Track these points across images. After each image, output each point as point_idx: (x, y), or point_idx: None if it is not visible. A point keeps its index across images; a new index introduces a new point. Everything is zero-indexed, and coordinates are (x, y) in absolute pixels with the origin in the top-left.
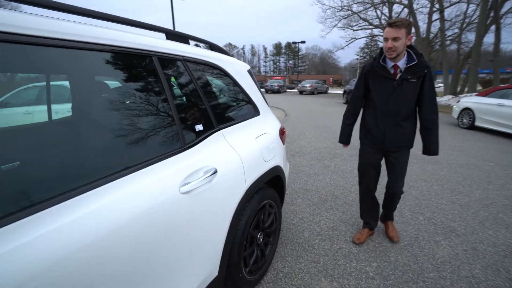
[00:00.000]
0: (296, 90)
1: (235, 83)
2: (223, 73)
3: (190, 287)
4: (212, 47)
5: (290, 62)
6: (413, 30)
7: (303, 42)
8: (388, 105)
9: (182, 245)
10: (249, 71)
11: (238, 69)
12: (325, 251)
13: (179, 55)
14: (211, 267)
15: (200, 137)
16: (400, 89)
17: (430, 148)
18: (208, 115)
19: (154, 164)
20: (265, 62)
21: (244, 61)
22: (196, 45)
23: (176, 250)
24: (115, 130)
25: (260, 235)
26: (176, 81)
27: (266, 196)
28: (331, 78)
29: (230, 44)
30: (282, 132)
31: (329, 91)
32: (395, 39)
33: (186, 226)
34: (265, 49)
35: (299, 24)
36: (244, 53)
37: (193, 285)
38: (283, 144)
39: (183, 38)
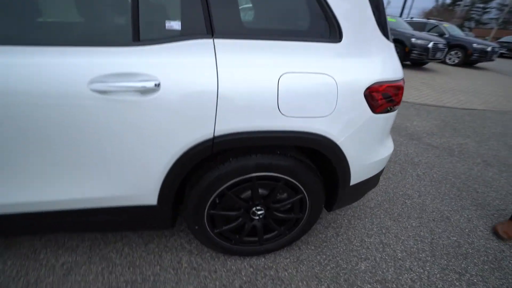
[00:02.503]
0: None
1: None
2: None
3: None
4: None
5: None
6: None
7: None
8: None
9: (87, 146)
10: None
11: None
12: None
13: None
14: (143, 192)
15: (169, 38)
16: None
17: None
18: (197, 13)
19: (80, 46)
20: None
21: None
22: None
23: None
24: None
25: (258, 210)
26: None
27: (277, 167)
28: None
29: None
30: (379, 89)
31: None
32: None
33: (95, 129)
34: None
35: None
36: None
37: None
38: (377, 112)
39: None
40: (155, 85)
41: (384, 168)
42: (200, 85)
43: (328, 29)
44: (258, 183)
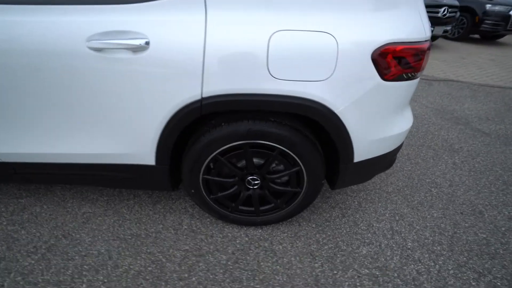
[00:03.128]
0: None
1: None
2: None
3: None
4: None
5: None
6: None
7: None
8: None
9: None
10: None
11: None
12: None
13: None
14: (141, 151)
15: None
16: None
17: None
18: None
19: (78, 4)
20: None
21: None
22: None
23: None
24: None
25: (253, 179)
26: None
27: (270, 135)
28: None
29: None
30: (392, 51)
31: None
32: None
33: (94, 85)
34: None
35: None
36: None
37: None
38: (388, 79)
39: None
40: (145, 43)
41: (400, 146)
42: (186, 43)
43: None
44: (252, 151)
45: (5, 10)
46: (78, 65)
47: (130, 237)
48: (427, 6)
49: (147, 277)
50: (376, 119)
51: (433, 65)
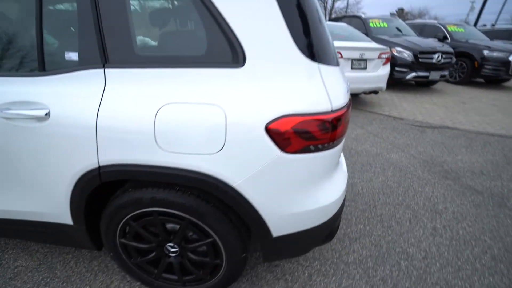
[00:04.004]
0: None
1: None
2: None
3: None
4: None
5: None
6: None
7: None
8: None
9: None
10: None
11: None
12: None
13: None
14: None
15: (69, 68)
16: None
17: None
18: (92, 43)
19: None
20: None
21: None
22: None
23: None
24: None
25: (172, 247)
26: None
27: (174, 205)
28: None
29: None
30: (289, 124)
31: None
32: None
33: (5, 148)
34: None
35: None
36: None
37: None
38: (290, 152)
39: None
40: (46, 114)
41: (335, 217)
42: (82, 114)
43: (230, 53)
44: (163, 219)
45: None
46: None
47: None
48: (422, 53)
49: None
50: (286, 193)
51: (430, 110)
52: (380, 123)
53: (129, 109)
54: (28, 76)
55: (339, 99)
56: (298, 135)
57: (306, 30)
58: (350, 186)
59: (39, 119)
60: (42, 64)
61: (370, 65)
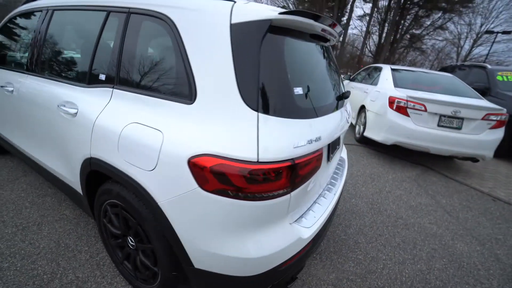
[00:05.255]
0: None
1: (177, 42)
2: (167, 25)
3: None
4: None
5: None
6: None
7: None
8: None
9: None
10: (236, 28)
11: (197, 21)
12: None
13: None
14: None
15: (98, 83)
16: None
17: None
18: (113, 72)
19: (57, 82)
20: None
21: None
22: None
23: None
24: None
25: (131, 240)
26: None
27: (128, 203)
28: None
29: None
30: (207, 163)
31: None
32: None
33: (57, 133)
34: None
35: None
36: None
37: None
38: (208, 190)
39: None
40: (75, 113)
41: (270, 276)
42: (88, 116)
43: (188, 90)
44: (124, 213)
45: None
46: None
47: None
48: None
49: None
50: (204, 229)
51: None
52: (465, 199)
53: (112, 121)
54: (78, 86)
55: (275, 153)
56: (215, 176)
57: (255, 82)
58: (369, 259)
59: (72, 115)
60: (89, 78)
61: (468, 125)
